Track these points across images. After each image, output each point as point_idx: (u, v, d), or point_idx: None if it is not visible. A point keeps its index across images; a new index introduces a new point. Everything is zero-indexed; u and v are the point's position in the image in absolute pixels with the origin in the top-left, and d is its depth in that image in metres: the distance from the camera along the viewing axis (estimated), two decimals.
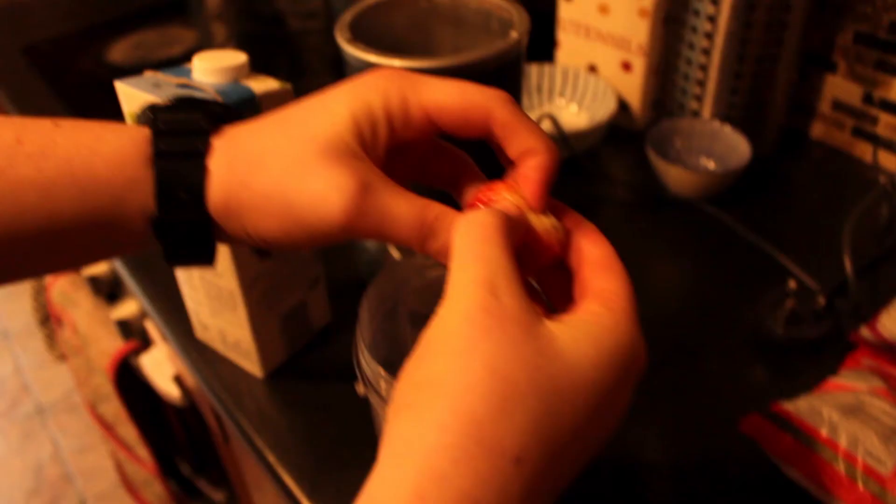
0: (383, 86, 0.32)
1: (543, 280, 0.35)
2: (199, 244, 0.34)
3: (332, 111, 0.32)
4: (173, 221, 0.33)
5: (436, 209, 0.32)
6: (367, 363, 0.40)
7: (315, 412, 0.58)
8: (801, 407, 0.52)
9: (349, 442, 0.55)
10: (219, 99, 0.48)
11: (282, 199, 0.31)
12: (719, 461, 0.53)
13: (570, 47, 0.87)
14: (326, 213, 0.31)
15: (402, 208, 0.31)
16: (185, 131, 0.33)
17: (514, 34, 0.52)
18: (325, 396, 0.59)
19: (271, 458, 0.55)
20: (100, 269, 1.00)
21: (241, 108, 0.48)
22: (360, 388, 0.40)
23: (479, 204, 0.33)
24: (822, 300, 0.61)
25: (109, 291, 0.97)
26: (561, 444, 0.26)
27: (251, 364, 0.60)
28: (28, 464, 1.75)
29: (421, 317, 0.49)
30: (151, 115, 0.34)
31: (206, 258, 0.35)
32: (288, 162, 0.32)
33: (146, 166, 0.33)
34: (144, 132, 0.34)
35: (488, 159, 0.35)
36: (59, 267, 0.36)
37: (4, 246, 0.32)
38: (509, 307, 0.27)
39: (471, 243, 0.29)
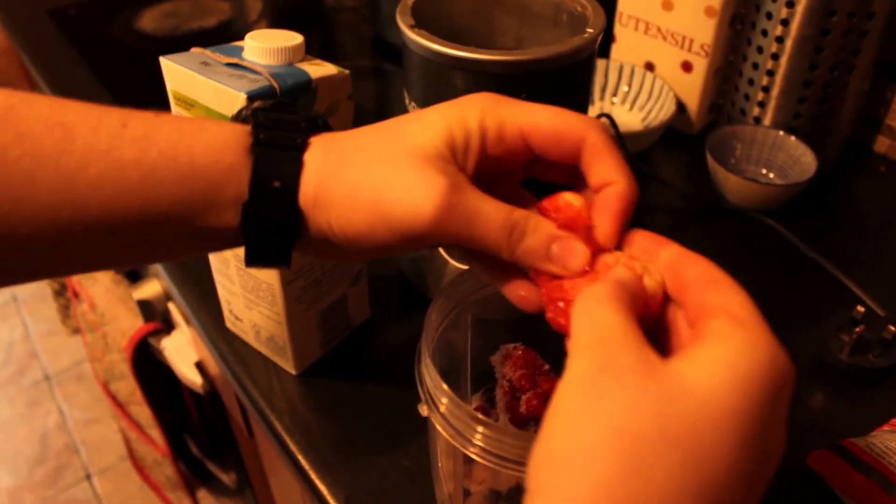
0: (481, 104, 0.34)
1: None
2: (282, 241, 0.34)
3: (428, 120, 0.33)
4: (263, 211, 0.33)
5: (523, 210, 0.32)
6: (431, 378, 0.37)
7: (351, 414, 0.55)
8: (874, 444, 0.49)
9: (386, 447, 0.53)
10: (274, 82, 0.45)
11: (371, 191, 0.32)
12: (779, 493, 0.51)
13: (626, 43, 0.83)
14: (415, 207, 0.31)
15: (491, 208, 0.32)
16: (285, 126, 0.34)
17: (590, 30, 0.49)
18: (361, 397, 0.56)
19: (304, 463, 0.52)
20: None
21: (296, 93, 0.45)
22: (424, 410, 0.37)
23: (545, 205, 0.33)
24: (892, 328, 0.57)
25: (130, 269, 0.94)
26: (714, 483, 0.24)
27: (285, 361, 0.57)
28: (34, 431, 1.74)
29: (484, 325, 0.47)
30: (251, 111, 0.35)
31: (284, 258, 0.35)
32: (381, 158, 0.32)
33: (245, 155, 0.33)
34: (245, 126, 0.34)
35: None
36: (148, 258, 0.37)
37: (103, 229, 0.32)
38: (625, 359, 0.25)
39: (584, 312, 0.28)
